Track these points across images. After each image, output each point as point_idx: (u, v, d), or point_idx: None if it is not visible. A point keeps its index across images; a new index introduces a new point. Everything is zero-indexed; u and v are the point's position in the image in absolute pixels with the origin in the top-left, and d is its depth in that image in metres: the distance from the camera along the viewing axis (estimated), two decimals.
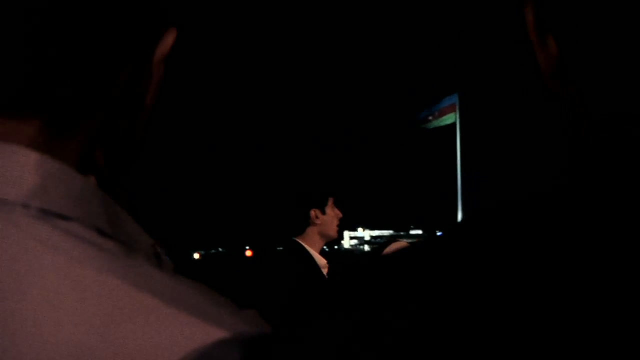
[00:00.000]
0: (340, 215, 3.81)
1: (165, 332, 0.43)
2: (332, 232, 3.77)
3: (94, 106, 0.53)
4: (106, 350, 0.42)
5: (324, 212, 3.76)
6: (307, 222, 3.75)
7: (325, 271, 3.66)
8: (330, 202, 3.79)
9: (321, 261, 3.67)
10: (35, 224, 0.47)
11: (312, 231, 3.74)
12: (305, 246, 3.68)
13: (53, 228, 0.48)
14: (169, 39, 0.58)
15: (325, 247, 3.87)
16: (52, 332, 0.42)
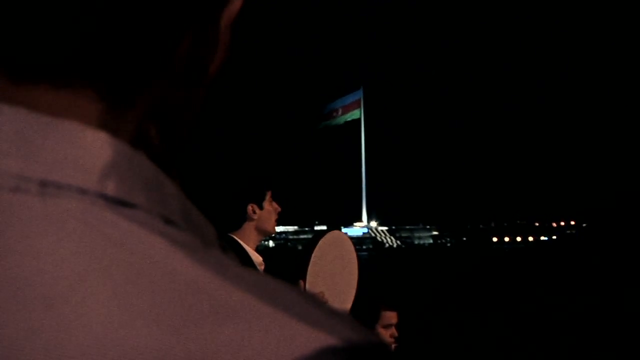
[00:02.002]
0: (279, 209, 3.65)
1: (261, 335, 0.38)
2: (270, 227, 3.62)
3: (153, 75, 0.48)
4: (194, 353, 0.37)
5: (261, 207, 3.58)
6: (243, 218, 3.57)
7: (261, 269, 3.48)
8: (268, 196, 3.63)
9: (257, 259, 3.53)
10: (100, 213, 0.43)
11: (248, 227, 3.57)
12: (241, 243, 3.52)
13: (119, 217, 0.43)
14: (236, 2, 0.53)
15: None
16: (122, 335, 0.38)
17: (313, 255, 3.69)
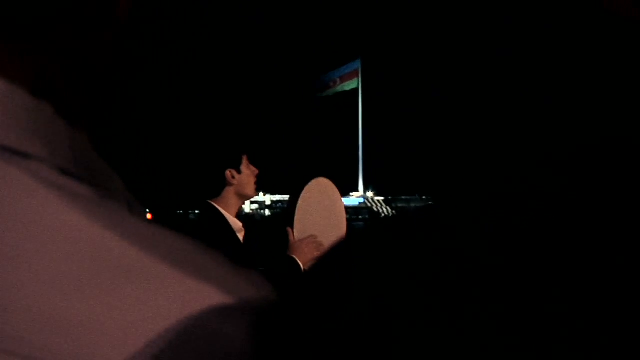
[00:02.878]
0: (257, 171, 3.67)
1: (161, 295, 0.37)
2: (250, 191, 3.64)
3: (52, 17, 0.45)
4: (87, 317, 0.35)
5: (239, 172, 3.61)
6: (222, 184, 3.59)
7: (241, 235, 3.55)
8: (244, 160, 3.63)
9: (236, 225, 3.55)
10: None
11: (228, 192, 3.60)
12: (221, 209, 3.55)
13: (8, 166, 0.40)
14: None
15: None
16: (15, 297, 0.35)
17: (299, 200, 3.69)
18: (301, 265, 3.54)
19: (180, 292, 0.37)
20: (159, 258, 0.38)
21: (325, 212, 3.85)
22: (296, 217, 3.66)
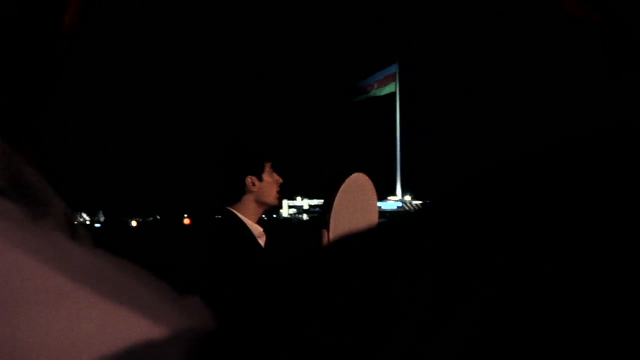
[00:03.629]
0: (281, 180, 3.60)
1: (85, 323, 0.33)
2: (271, 199, 3.57)
3: None
4: (10, 344, 0.32)
5: (260, 179, 3.54)
6: (242, 190, 3.53)
7: (261, 240, 3.49)
8: (267, 167, 3.57)
9: (257, 230, 3.49)
10: None
11: (248, 199, 3.53)
12: (240, 215, 3.49)
13: None
14: None
15: (263, 215, 3.67)
16: None
17: (335, 200, 3.44)
18: None
19: (110, 320, 0.34)
20: (89, 284, 0.35)
21: (362, 209, 3.63)
22: (332, 217, 3.43)
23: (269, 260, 3.42)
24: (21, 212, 0.38)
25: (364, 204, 3.63)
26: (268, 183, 3.55)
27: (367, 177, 3.70)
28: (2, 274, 0.33)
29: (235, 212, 3.48)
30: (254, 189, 3.51)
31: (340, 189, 3.50)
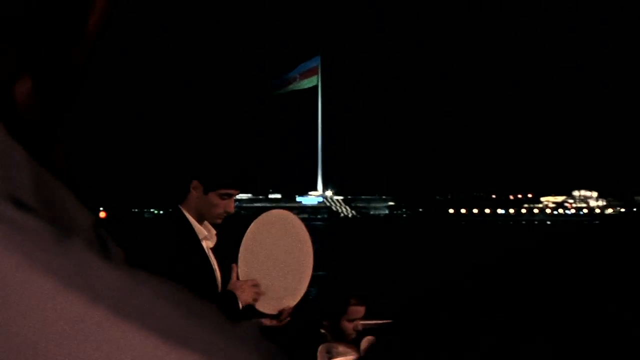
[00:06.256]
0: (231, 211, 3.43)
1: (127, 356, 0.30)
2: (208, 216, 3.39)
3: (16, 27, 0.41)
4: None
5: (205, 192, 3.38)
6: (186, 190, 3.42)
7: (210, 242, 3.38)
8: (220, 190, 3.38)
9: (202, 233, 3.36)
10: None
11: (192, 200, 3.40)
12: (188, 215, 3.37)
13: None
14: None
15: None
16: None
17: (245, 239, 3.46)
18: (240, 304, 3.29)
19: (151, 356, 0.31)
20: (116, 311, 0.31)
21: (282, 248, 3.51)
22: (240, 256, 3.42)
23: (208, 269, 3.32)
24: (47, 230, 0.34)
25: (283, 237, 3.51)
26: (212, 204, 3.38)
27: (285, 212, 3.64)
28: (30, 303, 0.31)
29: (184, 211, 3.39)
30: (195, 193, 3.40)
31: (251, 225, 3.46)
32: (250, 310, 3.32)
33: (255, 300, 3.35)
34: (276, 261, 3.49)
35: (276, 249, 3.50)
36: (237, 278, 3.38)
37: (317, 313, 3.92)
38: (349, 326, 4.02)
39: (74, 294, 0.31)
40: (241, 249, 3.41)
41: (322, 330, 3.97)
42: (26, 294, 0.30)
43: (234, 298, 3.28)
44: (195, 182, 3.40)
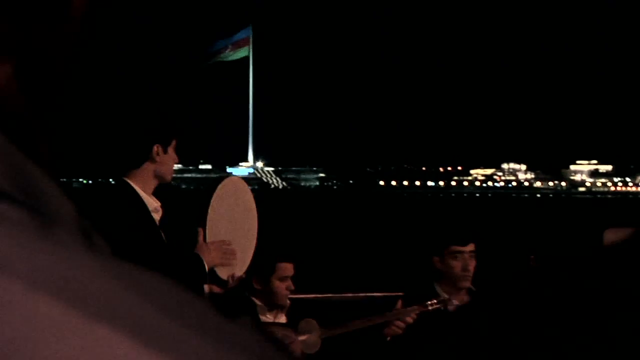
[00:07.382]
0: (177, 160, 3.43)
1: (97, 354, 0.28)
2: (169, 174, 3.42)
3: None
4: None
5: (165, 151, 3.33)
6: (145, 157, 3.30)
7: (157, 215, 3.31)
8: (174, 143, 3.38)
9: (152, 205, 3.30)
10: None
11: (148, 169, 3.30)
12: (136, 187, 3.28)
13: None
14: None
15: None
16: None
17: (212, 201, 3.49)
18: (206, 266, 3.32)
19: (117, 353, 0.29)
20: (98, 308, 0.29)
21: (238, 214, 3.67)
22: (208, 218, 3.45)
23: (161, 241, 3.29)
24: (29, 218, 0.32)
25: (239, 204, 3.70)
26: (172, 158, 3.40)
27: (241, 180, 4.02)
28: (7, 300, 0.29)
29: (131, 183, 3.30)
30: (158, 159, 3.33)
31: (215, 192, 3.51)
32: (211, 274, 3.37)
33: (225, 261, 3.43)
34: (235, 227, 3.61)
35: (235, 215, 3.63)
36: (205, 241, 3.41)
37: (246, 279, 3.81)
38: (280, 286, 3.90)
39: (54, 288, 0.29)
40: (209, 210, 3.46)
41: (251, 297, 3.87)
42: (18, 278, 0.29)
43: (199, 261, 3.31)
44: (156, 147, 3.33)
